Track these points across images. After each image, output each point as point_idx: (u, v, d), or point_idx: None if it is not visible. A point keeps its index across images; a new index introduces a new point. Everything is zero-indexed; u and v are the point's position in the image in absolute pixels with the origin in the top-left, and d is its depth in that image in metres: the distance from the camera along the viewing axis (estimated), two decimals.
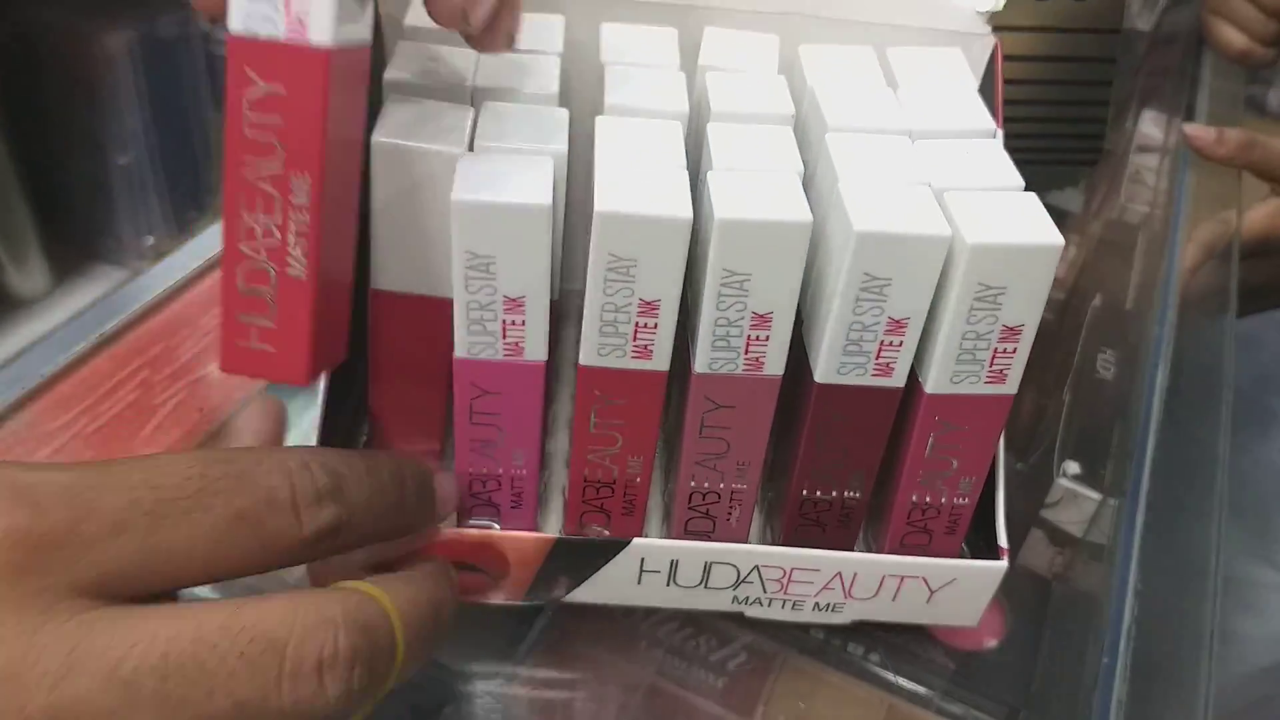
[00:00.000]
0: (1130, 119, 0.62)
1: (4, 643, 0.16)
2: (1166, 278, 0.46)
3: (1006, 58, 0.29)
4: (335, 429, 0.27)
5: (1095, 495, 0.36)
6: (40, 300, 0.92)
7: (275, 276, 0.20)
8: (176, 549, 0.17)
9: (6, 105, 0.84)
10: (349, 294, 0.23)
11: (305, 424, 0.27)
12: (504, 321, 0.23)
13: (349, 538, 0.20)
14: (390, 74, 0.25)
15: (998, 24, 0.29)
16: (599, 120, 0.24)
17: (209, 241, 0.44)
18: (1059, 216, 0.50)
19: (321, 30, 0.19)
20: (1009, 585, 0.30)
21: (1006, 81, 0.30)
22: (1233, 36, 0.56)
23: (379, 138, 0.23)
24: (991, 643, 0.31)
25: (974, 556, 0.27)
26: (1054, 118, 0.44)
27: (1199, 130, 0.53)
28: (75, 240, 0.96)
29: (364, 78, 0.22)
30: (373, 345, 0.26)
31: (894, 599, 0.27)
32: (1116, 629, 0.30)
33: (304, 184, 0.19)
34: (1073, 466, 0.37)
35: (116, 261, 0.97)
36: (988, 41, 0.29)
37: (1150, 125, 0.61)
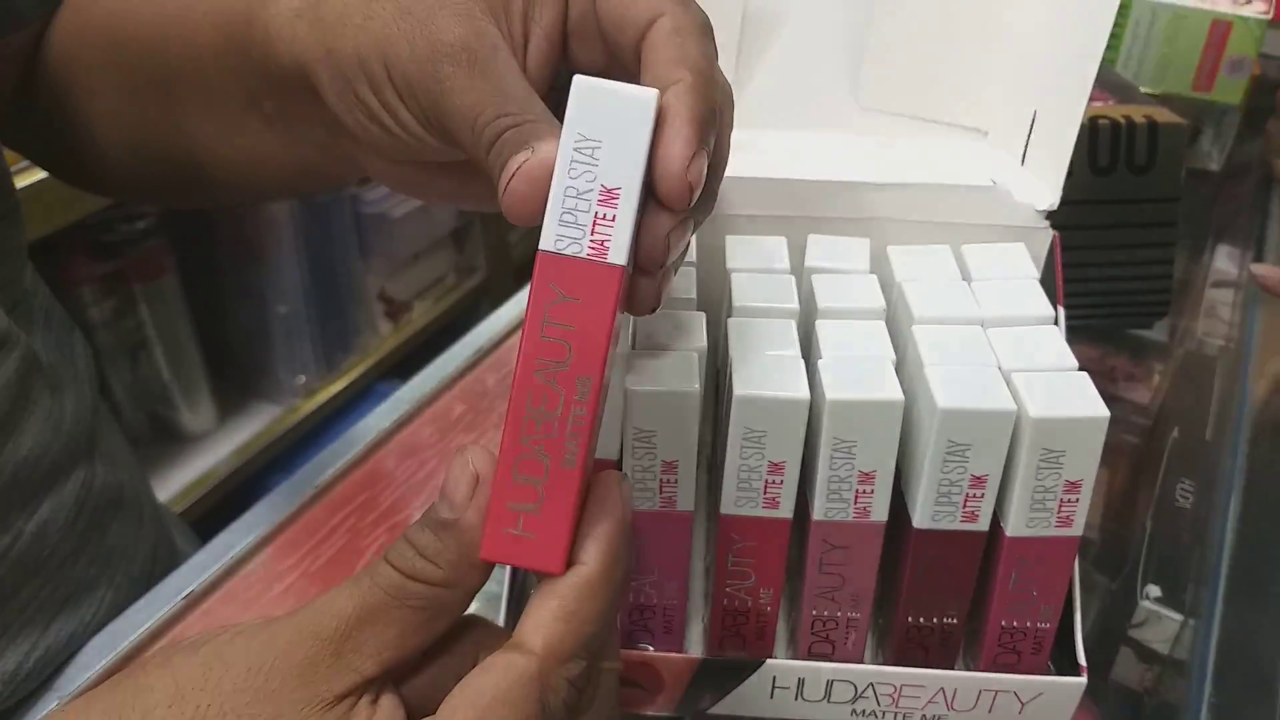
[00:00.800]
0: (1206, 254, 0.66)
1: None
2: (1239, 412, 0.49)
3: (1072, 227, 0.34)
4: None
5: (1177, 616, 0.40)
6: (208, 435, 1.03)
7: (549, 467, 0.22)
8: None
9: (183, 265, 0.97)
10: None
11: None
12: (661, 480, 0.30)
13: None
14: None
15: (1064, 199, 0.35)
16: (730, 323, 0.31)
17: (379, 388, 0.51)
18: (1146, 346, 0.54)
19: (618, 252, 0.22)
20: (1103, 699, 0.33)
21: (1074, 248, 0.35)
22: None
23: None
24: None
25: (1058, 674, 0.31)
26: (1123, 276, 0.49)
27: (1266, 270, 0.57)
28: (237, 381, 1.08)
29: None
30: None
31: (990, 710, 0.31)
32: None
33: (587, 383, 0.22)
34: (1154, 590, 0.41)
35: (272, 399, 1.09)
36: (1046, 234, 0.35)
37: (1224, 260, 0.65)
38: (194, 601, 0.39)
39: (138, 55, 0.34)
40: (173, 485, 0.97)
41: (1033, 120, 0.37)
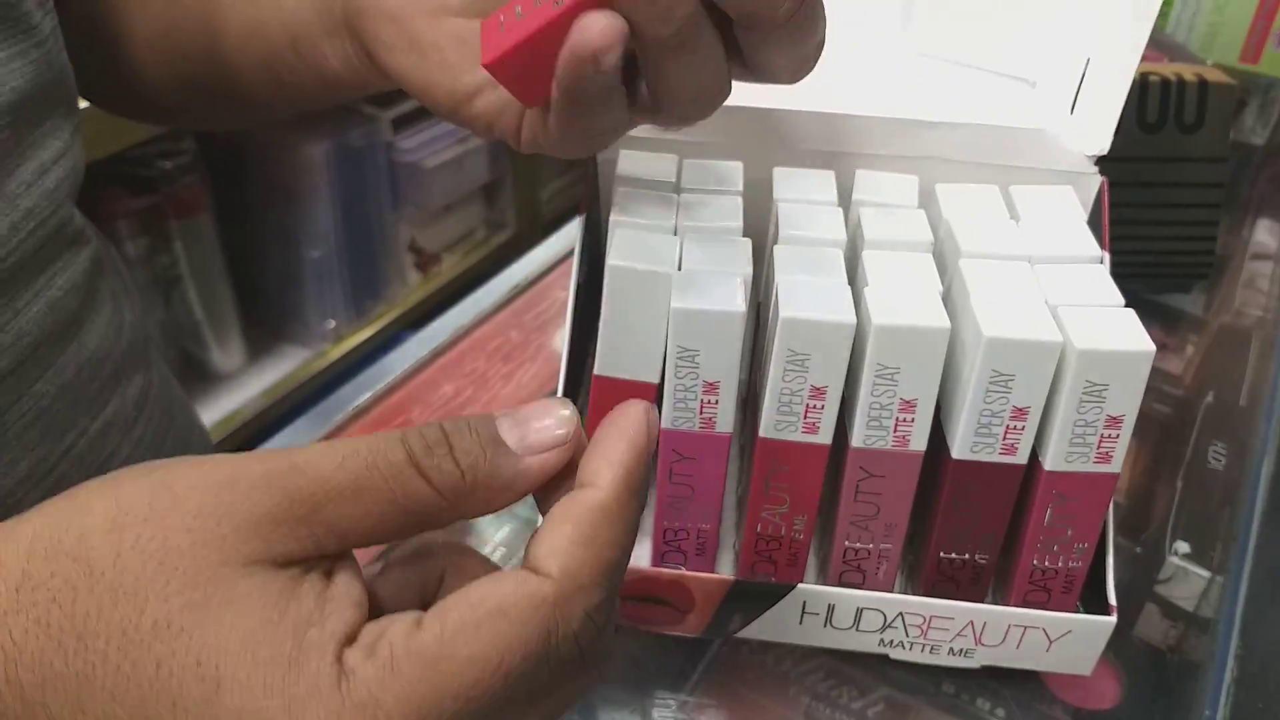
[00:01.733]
0: (1247, 227, 0.65)
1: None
2: (1275, 380, 0.49)
3: (1119, 184, 0.34)
4: None
5: (1204, 573, 0.40)
6: (236, 375, 1.05)
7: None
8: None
9: (218, 206, 0.98)
10: None
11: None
12: (702, 401, 0.30)
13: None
14: (615, 215, 0.32)
15: (1111, 155, 0.35)
16: (777, 249, 0.31)
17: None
18: (1180, 318, 0.54)
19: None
20: (1126, 654, 0.33)
21: (1119, 205, 0.35)
22: None
23: (613, 261, 0.30)
24: (1109, 705, 0.35)
25: (1087, 613, 0.31)
26: (1166, 236, 0.48)
27: None
28: (268, 323, 1.09)
29: None
30: (590, 423, 0.33)
31: (1018, 647, 0.32)
32: (1218, 689, 0.34)
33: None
34: (1183, 546, 0.41)
35: (301, 342, 1.10)
36: (1095, 180, 0.35)
37: (1265, 234, 0.64)
38: None
39: None
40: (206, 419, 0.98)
41: (1085, 69, 0.36)
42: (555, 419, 0.21)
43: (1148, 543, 0.41)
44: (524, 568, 0.20)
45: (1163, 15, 0.65)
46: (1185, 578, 0.40)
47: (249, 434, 1.02)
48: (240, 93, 0.37)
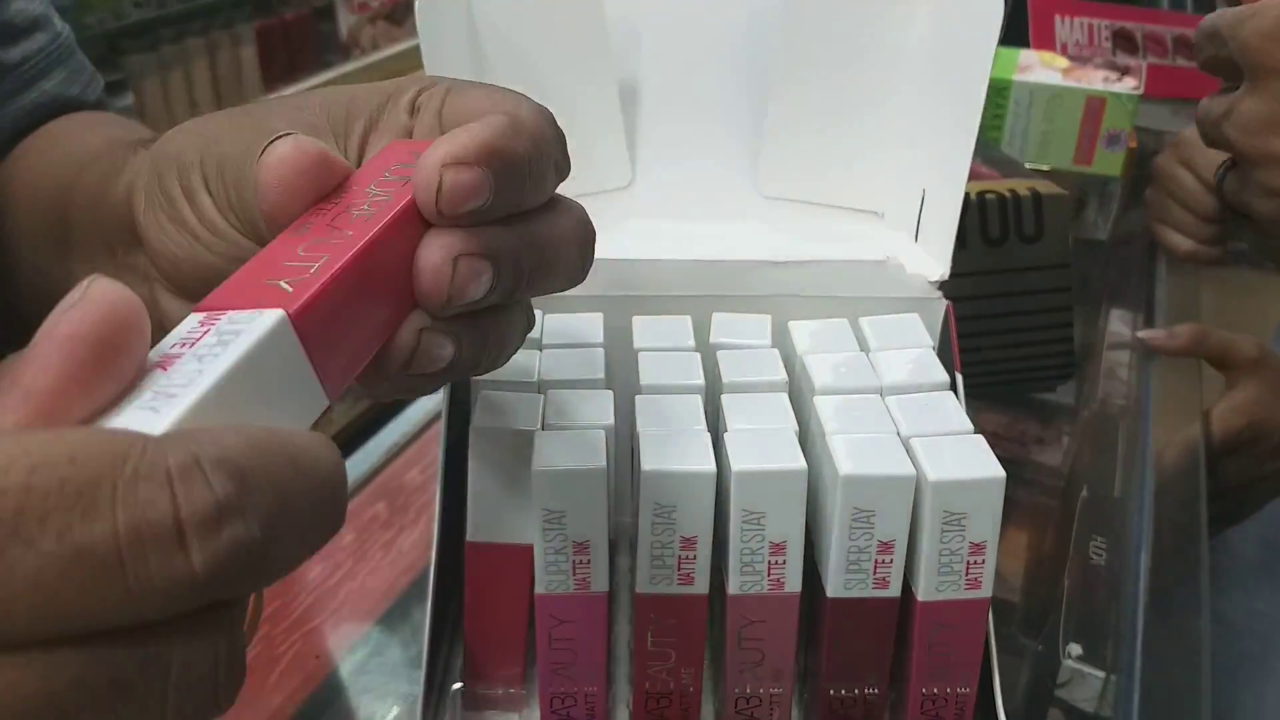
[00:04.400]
0: (1101, 318, 0.69)
1: None
2: (1142, 470, 0.51)
3: (972, 298, 0.36)
4: (436, 656, 0.33)
5: (1100, 673, 0.40)
6: None
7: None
8: None
9: None
10: None
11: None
12: (574, 561, 0.29)
13: (265, 569, 0.15)
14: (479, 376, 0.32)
15: (961, 271, 0.36)
16: (637, 399, 0.31)
17: None
18: (1054, 410, 0.56)
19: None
20: None
21: (975, 318, 0.37)
22: (1178, 241, 0.64)
23: (477, 423, 0.30)
24: None
25: None
26: (1024, 342, 0.51)
27: (1152, 333, 0.60)
28: None
29: None
30: (468, 587, 0.32)
31: None
32: None
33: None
34: (1076, 649, 0.41)
35: None
36: (940, 304, 0.36)
37: (1118, 323, 0.68)
38: None
39: (47, 204, 0.34)
40: None
41: (922, 198, 0.39)
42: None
43: (1045, 641, 0.42)
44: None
45: (996, 129, 0.70)
46: (1082, 679, 0.41)
47: None
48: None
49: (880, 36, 0.39)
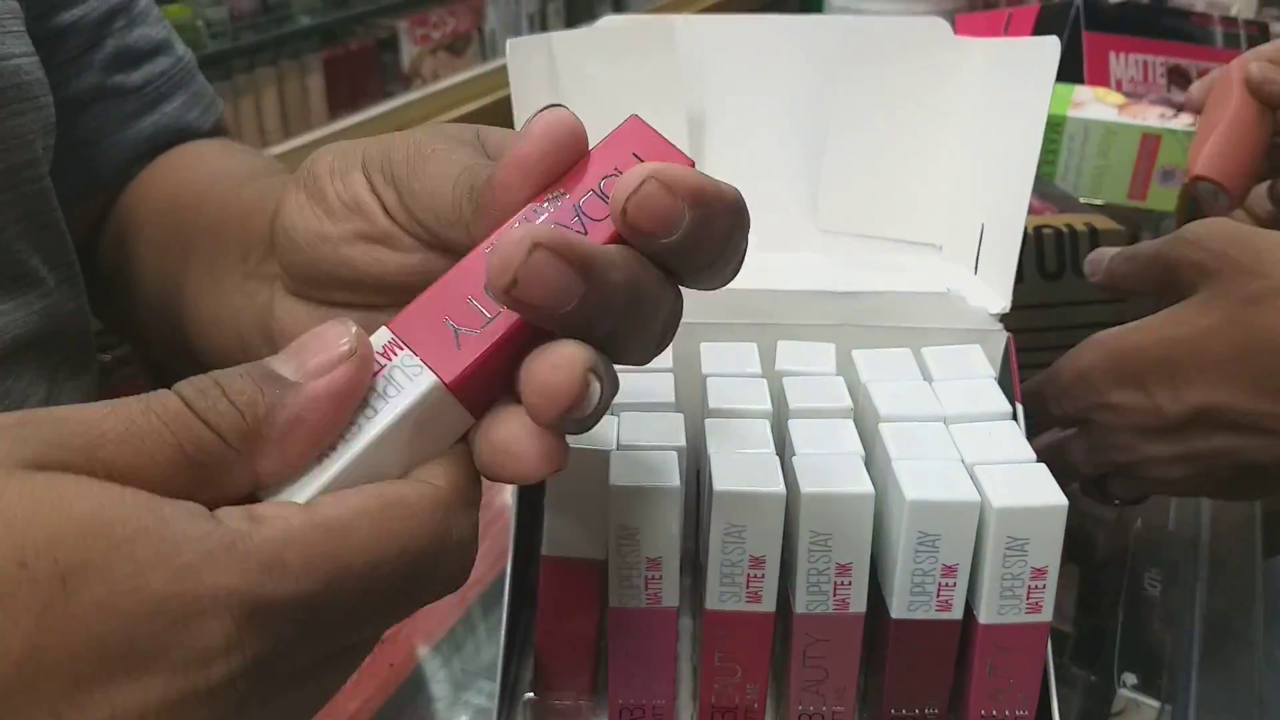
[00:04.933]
0: None
1: None
2: (1197, 504, 0.51)
3: (1025, 330, 0.37)
4: (508, 666, 0.34)
5: (1154, 703, 0.41)
6: None
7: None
8: None
9: None
10: None
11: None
12: (646, 577, 0.31)
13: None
14: None
15: (1019, 304, 0.37)
16: (707, 423, 0.33)
17: None
18: None
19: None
20: None
21: (1033, 349, 0.37)
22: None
23: None
24: None
25: None
26: None
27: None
28: None
29: None
30: (541, 599, 0.33)
31: None
32: None
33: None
34: (1131, 678, 0.42)
35: None
36: (1001, 336, 0.37)
37: None
38: None
39: (179, 213, 0.36)
40: None
41: (981, 233, 0.40)
42: (333, 335, 0.20)
43: (1100, 671, 0.42)
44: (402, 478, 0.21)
45: (1050, 164, 0.71)
46: (1137, 709, 0.41)
47: None
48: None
49: (937, 80, 0.40)
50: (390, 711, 0.40)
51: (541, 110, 0.22)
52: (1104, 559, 0.49)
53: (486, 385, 0.22)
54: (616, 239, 0.22)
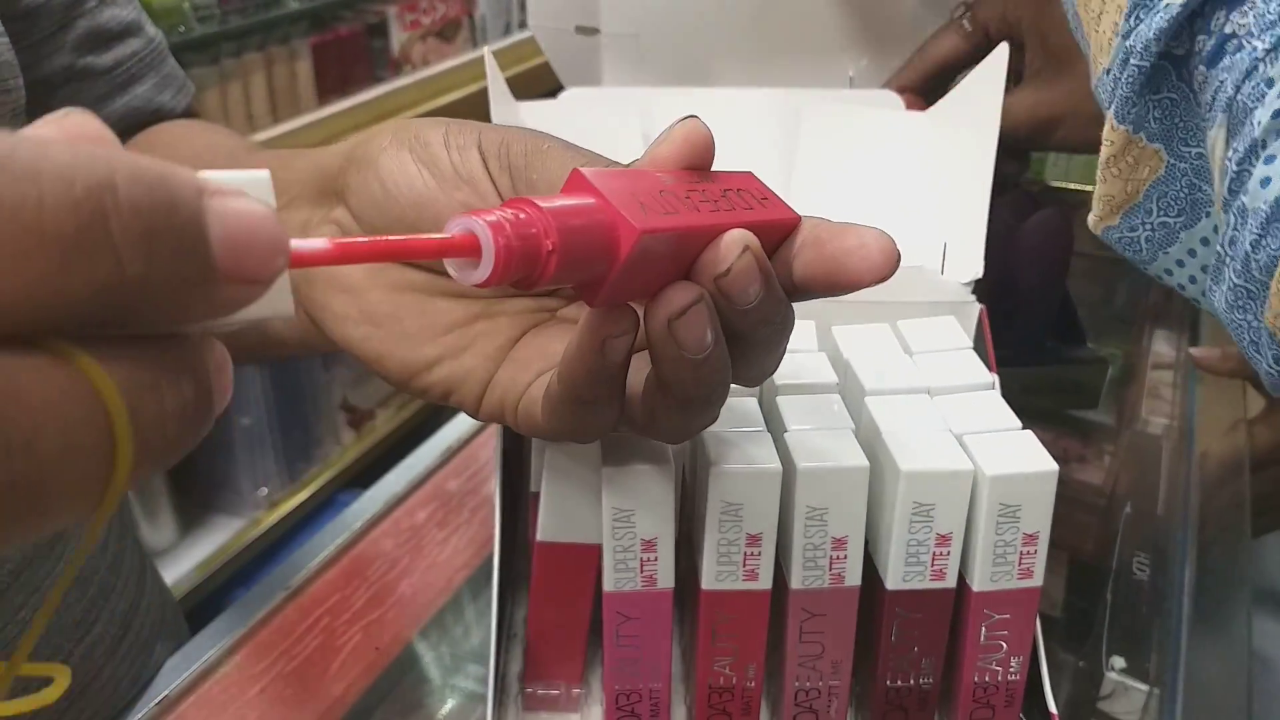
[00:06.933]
0: (1145, 338, 0.69)
1: None
2: (1185, 488, 0.52)
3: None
4: (499, 652, 0.34)
5: (1143, 686, 0.41)
6: (168, 551, 1.01)
7: None
8: None
9: None
10: None
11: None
12: (642, 559, 0.31)
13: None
14: None
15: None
16: None
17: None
18: (1094, 429, 0.57)
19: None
20: None
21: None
22: None
23: None
24: None
25: None
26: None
27: (1204, 352, 0.60)
28: (198, 495, 1.06)
29: None
30: (534, 586, 0.33)
31: None
32: None
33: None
34: (1119, 661, 0.42)
35: (234, 512, 1.07)
36: (974, 307, 0.37)
37: (1162, 344, 0.68)
38: (167, 708, 0.39)
39: None
40: None
41: (944, 249, 0.40)
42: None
43: (1088, 655, 0.43)
44: None
45: (1040, 159, 0.71)
46: (1125, 692, 0.41)
47: (185, 610, 0.98)
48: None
49: (891, 122, 0.42)
50: (377, 694, 0.40)
51: (682, 119, 0.25)
52: (1092, 543, 0.50)
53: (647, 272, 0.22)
54: None
